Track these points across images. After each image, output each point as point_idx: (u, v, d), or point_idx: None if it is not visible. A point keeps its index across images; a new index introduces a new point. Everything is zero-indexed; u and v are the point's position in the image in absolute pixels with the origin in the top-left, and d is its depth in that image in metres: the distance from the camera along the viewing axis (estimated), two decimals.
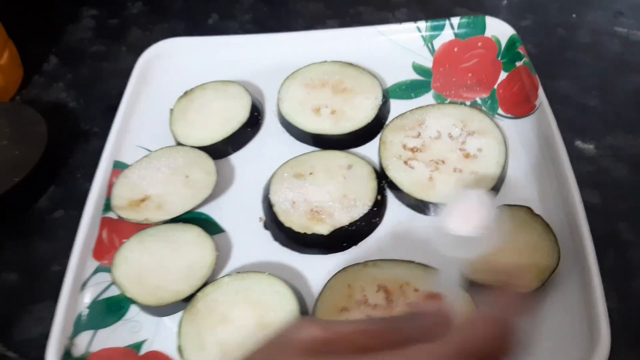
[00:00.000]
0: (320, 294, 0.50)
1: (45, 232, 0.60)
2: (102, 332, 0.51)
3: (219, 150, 0.62)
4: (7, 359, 0.51)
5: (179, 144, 0.63)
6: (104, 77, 0.75)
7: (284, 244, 0.55)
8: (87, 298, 0.53)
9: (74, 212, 0.60)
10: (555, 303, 0.48)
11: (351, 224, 0.54)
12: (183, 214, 0.56)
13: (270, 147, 0.64)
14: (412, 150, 0.59)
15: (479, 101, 0.65)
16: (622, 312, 0.49)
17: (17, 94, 0.74)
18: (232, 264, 0.55)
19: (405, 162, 0.58)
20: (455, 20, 0.68)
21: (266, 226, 0.57)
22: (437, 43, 0.69)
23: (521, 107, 0.62)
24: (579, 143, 0.61)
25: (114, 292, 0.53)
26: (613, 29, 0.72)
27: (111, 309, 0.52)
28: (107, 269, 0.54)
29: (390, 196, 0.58)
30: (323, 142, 0.62)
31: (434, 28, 0.69)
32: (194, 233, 0.54)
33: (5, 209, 0.60)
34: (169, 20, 0.82)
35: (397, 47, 0.70)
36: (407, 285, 0.49)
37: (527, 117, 0.61)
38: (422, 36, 0.69)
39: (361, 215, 0.54)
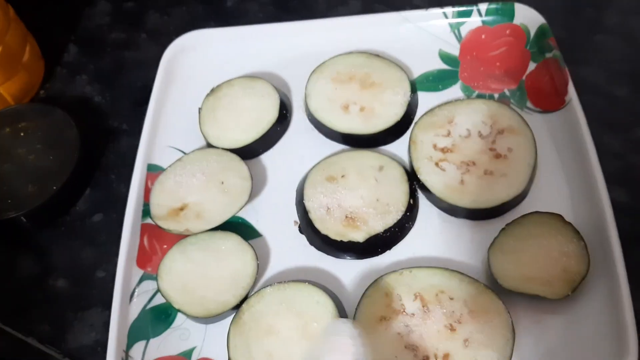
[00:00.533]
0: (359, 303, 0.52)
1: (86, 237, 0.62)
2: (154, 341, 0.54)
3: (250, 151, 0.63)
4: None
5: (209, 145, 0.63)
6: (127, 68, 0.75)
7: (320, 248, 0.57)
8: (137, 308, 0.55)
9: (112, 215, 0.62)
10: (584, 310, 0.50)
11: (386, 231, 0.55)
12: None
13: (300, 145, 0.64)
14: (443, 150, 0.59)
15: (508, 93, 0.64)
16: None
17: (41, 88, 0.74)
18: (271, 269, 0.57)
19: (437, 164, 0.59)
20: (483, 7, 0.67)
21: (301, 230, 0.59)
22: (464, 30, 0.68)
23: (550, 101, 0.62)
24: (606, 138, 0.61)
25: (160, 299, 0.55)
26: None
27: (159, 317, 0.55)
28: (152, 277, 0.57)
29: (421, 198, 0.59)
30: (353, 140, 0.63)
31: (460, 14, 0.68)
32: (234, 242, 0.56)
33: (47, 215, 0.62)
34: (187, 3, 0.81)
35: (424, 33, 0.69)
36: (442, 294, 0.51)
37: (556, 112, 0.61)
38: (449, 23, 0.68)
39: (395, 221, 0.56)
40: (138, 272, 0.57)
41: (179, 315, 0.55)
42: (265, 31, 0.71)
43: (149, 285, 0.57)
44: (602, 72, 0.66)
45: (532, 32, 0.65)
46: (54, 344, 0.56)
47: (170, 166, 0.61)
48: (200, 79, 0.68)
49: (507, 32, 0.67)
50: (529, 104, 0.63)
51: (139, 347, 0.53)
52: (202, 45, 0.71)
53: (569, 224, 0.52)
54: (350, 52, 0.67)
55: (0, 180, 0.62)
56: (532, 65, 0.65)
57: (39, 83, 0.74)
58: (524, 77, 0.65)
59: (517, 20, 0.66)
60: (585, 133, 0.57)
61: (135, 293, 0.56)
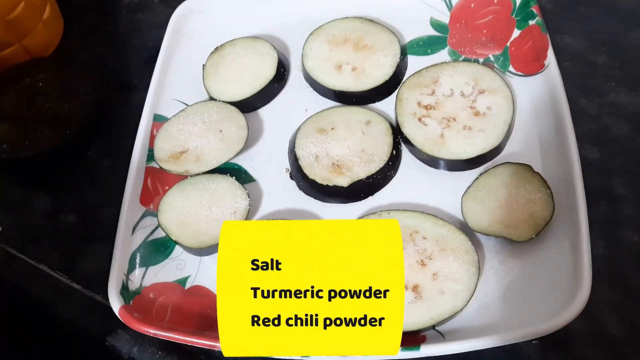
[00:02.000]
0: None
1: (96, 179, 0.68)
2: (152, 269, 0.59)
3: (249, 105, 0.68)
4: (73, 290, 0.60)
5: (211, 98, 0.68)
6: (140, 30, 0.80)
7: (308, 193, 0.62)
8: (138, 239, 0.60)
9: (120, 161, 0.67)
10: (546, 252, 0.54)
11: (368, 177, 0.60)
12: (218, 166, 0.62)
13: (295, 101, 0.69)
14: (426, 107, 0.64)
15: (492, 58, 0.68)
16: (609, 259, 0.55)
17: (59, 46, 0.79)
18: (263, 210, 0.62)
19: (420, 120, 0.63)
20: None
21: (292, 176, 0.63)
22: None
23: (531, 65, 0.66)
24: (583, 102, 0.65)
25: (160, 234, 0.61)
26: None
27: (159, 249, 0.60)
28: (153, 214, 0.62)
29: (404, 150, 0.63)
30: (344, 97, 0.67)
31: None
32: (228, 182, 0.61)
33: (62, 157, 0.68)
34: None
35: (417, 2, 0.73)
36: (416, 234, 0.56)
37: (535, 75, 0.65)
38: None
39: (378, 169, 0.60)
40: (141, 209, 0.62)
41: (177, 247, 0.60)
42: None
43: (150, 221, 0.62)
44: (584, 41, 0.70)
45: (518, 1, 0.69)
46: (63, 271, 0.61)
47: (174, 115, 0.67)
48: (205, 39, 0.73)
49: (495, 1, 0.70)
50: (510, 68, 0.67)
51: (138, 272, 0.58)
52: (209, 8, 0.76)
53: (537, 173, 0.57)
54: (346, 17, 0.72)
55: (19, 124, 0.67)
56: (516, 32, 0.68)
57: (57, 40, 0.80)
58: (508, 44, 0.68)
59: None
60: (560, 93, 0.61)
61: (138, 227, 0.61)
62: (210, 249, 0.58)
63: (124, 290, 0.56)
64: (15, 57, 0.74)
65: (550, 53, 0.64)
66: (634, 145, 0.62)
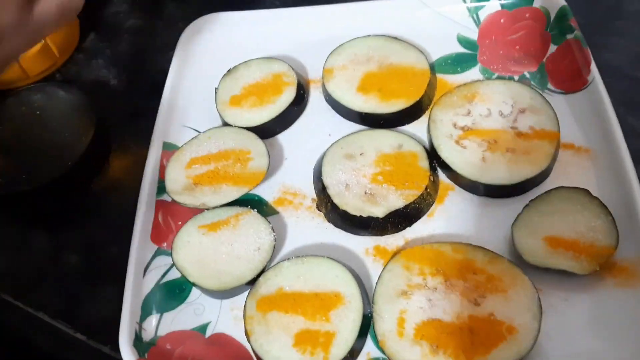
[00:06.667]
0: (380, 277, 0.51)
1: (101, 214, 0.62)
2: (168, 315, 0.53)
3: (268, 130, 0.62)
4: (77, 341, 0.53)
5: (225, 124, 0.63)
6: (144, 54, 0.75)
7: (338, 225, 0.56)
8: (150, 282, 0.54)
9: (128, 194, 0.61)
10: (614, 285, 0.49)
11: (406, 207, 0.54)
12: (238, 198, 0.56)
13: (317, 125, 0.64)
14: (463, 129, 0.58)
15: (528, 75, 0.64)
16: None
17: (58, 73, 0.74)
18: (288, 245, 0.56)
19: (457, 142, 0.58)
20: None
21: (318, 207, 0.57)
22: (483, 14, 0.68)
23: (572, 82, 0.61)
24: (630, 119, 0.60)
25: (175, 275, 0.54)
26: None
27: (174, 292, 0.54)
28: (166, 252, 0.56)
29: (442, 176, 0.58)
30: (371, 120, 0.62)
31: None
32: (250, 216, 0.55)
33: (62, 191, 0.61)
34: None
35: (441, 18, 0.69)
36: (465, 269, 0.50)
37: (578, 92, 0.60)
38: (467, 7, 0.68)
39: (416, 197, 0.54)
40: (152, 247, 0.56)
41: (194, 290, 0.54)
42: (282, 15, 0.71)
43: (164, 261, 0.55)
44: (624, 56, 0.65)
45: (553, 15, 0.64)
46: (65, 319, 0.55)
47: (186, 143, 0.61)
48: (217, 61, 0.68)
49: (527, 15, 0.66)
50: (549, 86, 0.62)
51: (152, 320, 0.52)
52: (220, 28, 0.71)
53: (596, 198, 0.51)
54: (368, 35, 0.67)
55: (16, 156, 0.62)
56: (552, 48, 0.64)
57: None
58: (544, 60, 0.64)
59: (537, 3, 0.66)
60: (609, 111, 0.56)
61: (150, 267, 0.55)
62: (232, 291, 0.52)
63: (137, 342, 0.50)
64: (43, 54, 0.71)
65: (593, 68, 0.59)
66: None
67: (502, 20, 0.67)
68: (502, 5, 0.67)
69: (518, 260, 0.50)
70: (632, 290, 0.48)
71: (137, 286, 0.53)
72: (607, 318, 0.48)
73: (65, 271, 0.58)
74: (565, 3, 0.64)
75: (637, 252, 0.49)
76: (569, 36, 0.63)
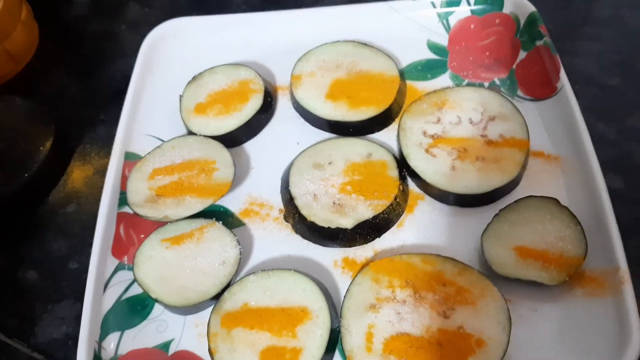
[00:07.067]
0: (348, 291, 0.49)
1: (59, 228, 0.59)
2: (129, 333, 0.51)
3: (234, 139, 0.61)
4: None
5: (190, 133, 0.61)
6: (106, 59, 0.73)
7: (306, 237, 0.55)
8: (111, 298, 0.52)
9: (87, 207, 0.59)
10: (583, 295, 0.48)
11: (375, 217, 0.53)
12: (203, 209, 0.54)
13: (285, 133, 0.62)
14: (433, 137, 0.58)
15: (498, 82, 0.63)
16: None
17: (16, 81, 0.71)
18: (255, 258, 0.54)
19: (427, 151, 0.57)
20: None
21: (286, 218, 0.56)
22: (453, 20, 0.67)
23: (541, 89, 0.61)
24: (600, 126, 0.60)
25: (136, 290, 0.52)
26: (632, 1, 0.70)
27: (135, 308, 0.52)
28: (128, 267, 0.54)
29: (412, 185, 0.57)
30: (340, 128, 0.61)
31: (449, 4, 0.67)
32: (215, 228, 0.53)
33: (18, 204, 0.59)
34: None
35: (412, 24, 0.68)
36: (434, 280, 0.49)
37: (548, 99, 0.60)
38: (438, 13, 0.67)
39: (384, 207, 0.53)
40: (113, 262, 0.54)
41: (157, 306, 0.52)
42: (249, 20, 0.69)
43: (125, 276, 0.53)
44: (594, 62, 0.65)
45: (522, 21, 0.64)
46: (22, 338, 0.52)
47: (149, 153, 0.59)
48: (181, 67, 0.66)
49: (497, 21, 0.65)
50: (519, 92, 0.62)
51: (112, 338, 0.50)
52: (184, 34, 0.69)
53: (566, 208, 0.51)
54: (337, 41, 0.66)
55: None
56: (522, 54, 0.64)
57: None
58: (514, 66, 0.63)
59: (507, 9, 0.65)
60: (578, 119, 0.56)
61: (110, 283, 0.53)
62: (196, 307, 0.50)
63: None
64: None
65: (562, 75, 0.59)
66: None
67: (472, 26, 0.67)
68: (472, 11, 0.67)
69: (488, 271, 0.50)
70: (600, 299, 0.47)
71: (96, 303, 0.51)
72: (576, 328, 0.47)
73: (21, 288, 0.55)
74: (534, 9, 0.63)
75: (605, 262, 0.48)
76: (539, 42, 0.62)
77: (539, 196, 0.52)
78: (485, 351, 0.45)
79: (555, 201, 0.51)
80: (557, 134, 0.58)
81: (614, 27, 0.68)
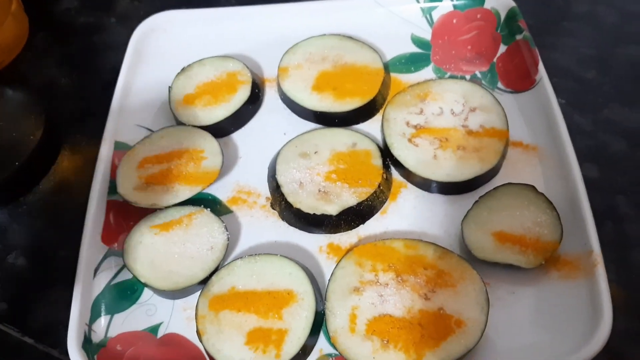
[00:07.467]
0: (332, 274, 0.51)
1: (50, 215, 0.60)
2: (118, 317, 0.52)
3: (222, 129, 0.62)
4: (24, 345, 0.52)
5: (179, 122, 0.62)
6: (96, 52, 0.74)
7: (292, 223, 0.56)
8: (101, 283, 0.53)
9: (78, 194, 0.60)
10: (558, 278, 0.50)
11: (359, 204, 0.54)
12: (191, 197, 0.56)
13: (272, 124, 0.64)
14: (416, 127, 0.59)
15: (479, 75, 0.65)
16: (622, 284, 0.51)
17: (6, 72, 0.72)
18: (242, 244, 0.56)
19: (410, 140, 0.58)
20: None
21: (272, 206, 0.57)
22: (436, 14, 0.69)
23: (521, 82, 0.62)
24: (576, 117, 0.62)
25: (126, 275, 0.54)
26: None
27: (125, 293, 0.53)
28: (117, 254, 0.55)
29: (395, 174, 0.59)
30: (326, 119, 0.62)
31: None
32: (203, 215, 0.55)
33: (9, 192, 0.60)
34: None
35: (396, 18, 0.70)
36: (416, 264, 0.50)
37: (527, 91, 0.62)
38: (421, 7, 0.69)
39: (369, 194, 0.55)
40: (103, 248, 0.55)
41: (146, 291, 0.53)
42: (237, 13, 0.71)
43: (115, 262, 0.55)
44: (572, 56, 0.67)
45: (503, 16, 0.66)
46: (12, 323, 0.53)
47: (138, 142, 0.60)
48: (171, 60, 0.68)
49: (478, 16, 0.67)
50: (499, 85, 0.64)
51: (102, 321, 0.51)
52: (173, 27, 0.70)
53: (542, 194, 0.52)
54: (323, 35, 0.67)
55: None
56: (503, 48, 0.65)
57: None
58: (495, 60, 0.65)
59: (488, 4, 0.67)
60: (556, 110, 0.58)
61: (100, 268, 0.54)
62: (185, 291, 0.52)
63: (87, 344, 0.49)
64: None
65: (541, 68, 0.61)
66: (634, 162, 0.59)
67: (454, 21, 0.68)
68: (455, 6, 0.68)
69: (468, 255, 0.51)
70: (574, 282, 0.49)
71: (86, 288, 0.52)
72: (552, 309, 0.49)
73: (13, 274, 0.56)
74: (514, 4, 0.65)
75: (580, 246, 0.50)
76: (518, 37, 0.64)
77: (516, 183, 0.53)
78: (464, 331, 0.47)
79: (533, 188, 0.53)
80: (536, 125, 0.59)
81: (591, 23, 0.70)
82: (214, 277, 0.51)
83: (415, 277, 0.50)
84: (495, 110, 0.59)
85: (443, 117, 0.60)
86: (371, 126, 0.62)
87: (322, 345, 0.49)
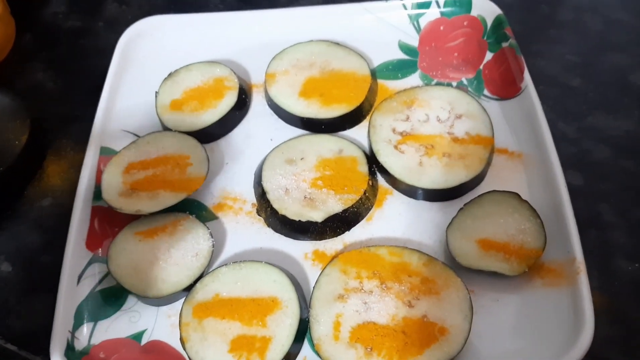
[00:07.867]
0: (317, 281, 0.51)
1: (34, 221, 0.60)
2: (102, 324, 0.52)
3: (208, 135, 0.62)
4: (7, 352, 0.52)
5: (166, 128, 0.62)
6: (83, 56, 0.73)
7: (277, 230, 0.56)
8: (85, 290, 0.53)
9: (62, 200, 0.60)
10: (541, 286, 0.50)
11: (344, 211, 0.55)
12: (176, 203, 0.56)
13: (259, 129, 0.64)
14: (402, 134, 0.59)
15: (465, 82, 0.65)
16: (605, 290, 0.52)
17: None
18: (228, 251, 0.55)
19: (396, 147, 0.58)
20: None
21: (258, 212, 0.57)
22: (423, 21, 0.69)
23: (507, 89, 0.63)
24: (561, 125, 0.62)
25: (110, 282, 0.53)
26: (594, 7, 0.72)
27: (109, 299, 0.53)
28: (102, 260, 0.54)
29: (381, 180, 0.59)
30: (312, 125, 0.62)
31: (420, 5, 0.69)
32: (188, 221, 0.55)
33: None
34: None
35: (384, 24, 0.70)
36: (400, 271, 0.51)
37: (512, 99, 0.62)
38: (409, 14, 0.69)
39: (354, 201, 0.55)
40: (87, 254, 0.55)
41: (130, 297, 0.53)
42: (225, 19, 0.71)
43: (99, 268, 0.54)
44: (557, 64, 0.68)
45: (489, 23, 0.66)
46: None
47: (124, 148, 0.60)
48: (158, 65, 0.67)
49: (465, 23, 0.68)
50: (485, 92, 0.64)
51: (86, 329, 0.51)
52: (160, 32, 0.70)
53: (525, 202, 0.53)
54: (311, 41, 0.67)
55: None
56: (489, 55, 0.66)
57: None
58: (481, 67, 0.66)
59: (475, 11, 0.67)
60: (541, 118, 0.58)
61: (84, 275, 0.53)
62: (169, 298, 0.52)
63: (69, 351, 0.49)
64: None
65: (526, 76, 0.61)
66: (618, 170, 0.59)
67: (441, 28, 0.69)
68: (442, 13, 0.69)
69: (452, 262, 0.52)
70: (558, 290, 0.49)
71: (70, 294, 0.52)
72: (535, 317, 0.49)
73: None
74: (501, 12, 0.66)
75: (563, 254, 0.51)
76: (504, 44, 0.65)
77: (501, 191, 0.54)
78: (448, 339, 0.47)
79: (517, 196, 0.53)
80: (521, 132, 0.60)
81: (576, 30, 0.70)
82: (198, 284, 0.51)
83: (399, 285, 0.50)
84: (481, 118, 0.60)
85: (429, 124, 0.60)
86: (358, 132, 0.62)
87: (306, 352, 0.49)
